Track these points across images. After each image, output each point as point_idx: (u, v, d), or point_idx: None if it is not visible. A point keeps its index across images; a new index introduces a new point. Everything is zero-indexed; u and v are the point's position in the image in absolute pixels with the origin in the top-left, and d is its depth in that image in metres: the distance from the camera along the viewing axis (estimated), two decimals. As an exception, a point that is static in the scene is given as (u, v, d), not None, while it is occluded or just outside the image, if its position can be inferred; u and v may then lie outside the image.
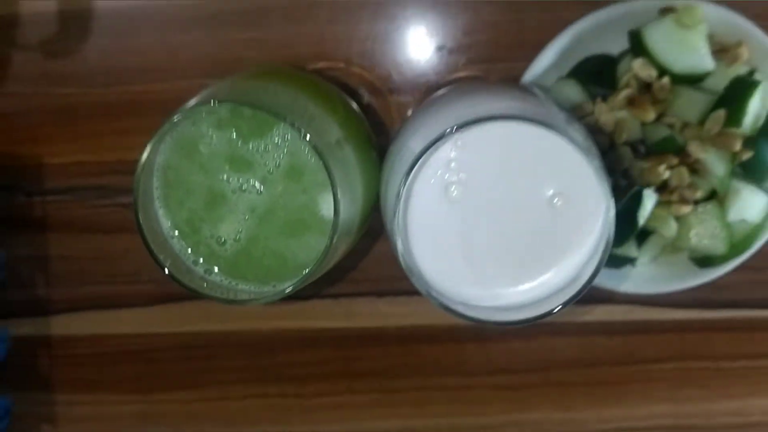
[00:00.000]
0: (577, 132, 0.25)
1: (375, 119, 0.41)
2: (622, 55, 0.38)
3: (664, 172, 0.36)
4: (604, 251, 0.25)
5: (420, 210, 0.27)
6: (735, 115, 0.36)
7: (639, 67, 0.36)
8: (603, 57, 0.38)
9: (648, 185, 0.36)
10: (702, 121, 0.36)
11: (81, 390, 0.45)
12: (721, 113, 0.36)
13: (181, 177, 0.29)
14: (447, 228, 0.27)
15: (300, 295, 0.31)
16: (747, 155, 0.36)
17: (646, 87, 0.37)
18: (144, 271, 0.43)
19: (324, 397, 0.45)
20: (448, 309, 0.26)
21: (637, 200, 0.36)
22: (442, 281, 0.27)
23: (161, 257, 0.29)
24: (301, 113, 0.27)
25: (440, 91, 0.32)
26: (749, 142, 0.36)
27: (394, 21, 0.40)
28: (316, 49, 0.40)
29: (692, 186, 0.36)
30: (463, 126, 0.24)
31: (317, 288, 0.43)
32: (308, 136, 0.26)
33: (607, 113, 0.37)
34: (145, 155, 0.27)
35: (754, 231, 0.37)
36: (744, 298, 0.42)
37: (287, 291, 0.28)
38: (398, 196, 0.26)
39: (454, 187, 0.27)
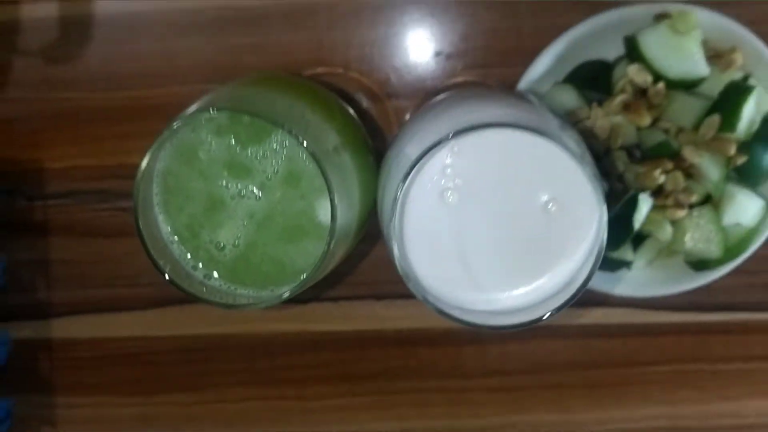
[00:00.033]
0: (571, 139, 0.26)
1: (373, 124, 0.41)
2: (618, 60, 0.38)
3: (659, 177, 0.36)
4: (597, 257, 0.25)
5: (416, 215, 0.27)
6: (729, 120, 0.36)
7: (634, 73, 0.37)
8: (599, 62, 0.38)
9: (643, 189, 0.37)
10: (697, 126, 0.37)
11: (81, 392, 0.45)
12: (715, 118, 0.36)
13: (180, 183, 0.30)
14: (443, 233, 0.27)
15: (299, 298, 0.31)
16: (741, 160, 0.36)
17: (641, 92, 0.37)
18: (144, 274, 0.43)
19: (323, 399, 0.45)
20: (443, 313, 0.26)
21: (632, 204, 0.36)
22: (438, 286, 0.28)
23: (161, 262, 0.29)
24: (298, 120, 0.28)
25: (437, 98, 0.33)
26: (744, 146, 0.36)
27: (391, 27, 0.41)
28: (315, 54, 0.41)
29: (687, 190, 0.37)
30: (458, 133, 0.24)
31: (316, 291, 0.43)
32: (305, 142, 0.26)
33: (602, 118, 0.37)
34: (144, 162, 0.28)
35: (749, 235, 0.38)
36: (739, 301, 0.42)
37: (284, 297, 0.28)
38: (395, 201, 0.26)
39: (450, 192, 0.27)
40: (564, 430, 0.45)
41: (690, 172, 0.37)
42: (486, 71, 0.40)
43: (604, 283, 0.39)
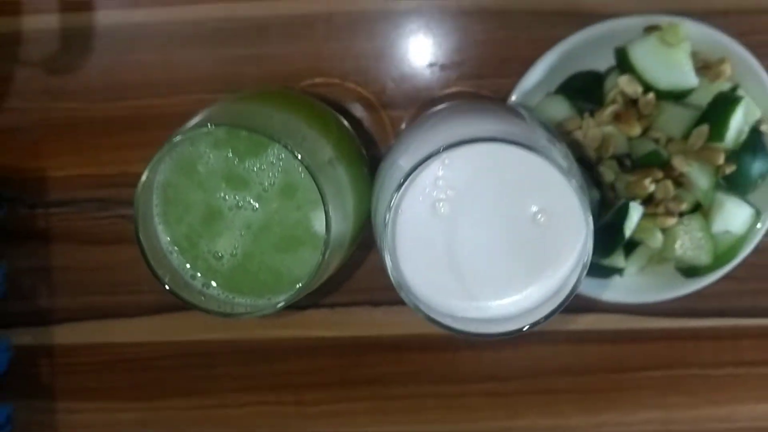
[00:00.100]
0: (559, 152, 0.26)
1: (369, 133, 0.42)
2: (609, 71, 0.39)
3: (649, 186, 0.37)
4: (584, 266, 0.26)
5: (409, 226, 0.28)
6: (718, 130, 0.36)
7: (625, 84, 0.37)
8: (590, 73, 0.39)
9: (634, 198, 0.37)
10: (686, 136, 0.37)
11: (82, 398, 0.46)
12: (704, 128, 0.37)
13: (179, 194, 0.30)
14: (435, 243, 0.28)
15: (297, 305, 0.31)
16: (730, 169, 0.37)
17: (632, 103, 0.38)
18: (144, 281, 0.43)
19: (321, 404, 0.45)
20: (434, 322, 0.27)
21: (623, 213, 0.37)
22: (431, 294, 0.28)
23: (161, 272, 0.30)
24: (295, 134, 0.28)
25: (430, 110, 0.33)
26: (732, 156, 0.37)
27: (387, 38, 0.41)
28: (313, 65, 0.41)
29: (677, 198, 0.37)
30: (450, 147, 0.25)
31: (314, 298, 0.43)
32: (300, 156, 0.27)
33: (594, 128, 0.38)
34: (144, 175, 0.28)
35: (738, 242, 0.38)
36: (730, 307, 0.43)
37: (279, 306, 0.29)
38: (388, 211, 0.26)
39: (441, 203, 0.28)
40: (557, 435, 0.45)
41: (680, 181, 0.37)
42: (480, 82, 0.41)
43: (596, 290, 0.39)
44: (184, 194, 0.30)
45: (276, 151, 0.29)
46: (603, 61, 0.39)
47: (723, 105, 0.37)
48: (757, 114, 0.37)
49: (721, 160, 0.36)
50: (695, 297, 0.39)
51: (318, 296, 0.44)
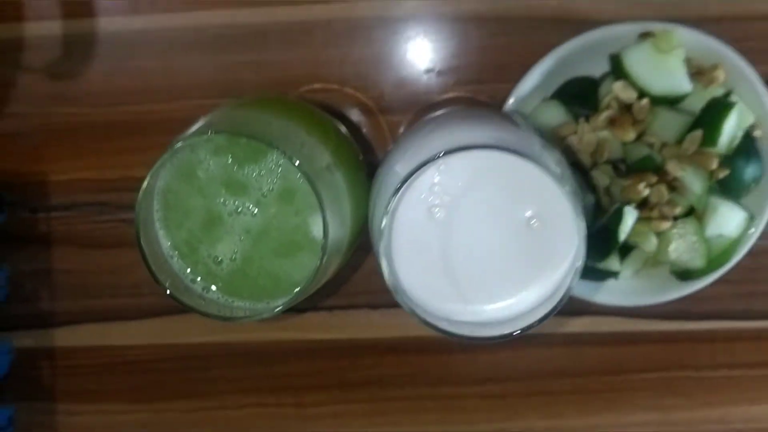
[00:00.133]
0: (552, 159, 0.27)
1: (367, 138, 0.42)
2: (604, 77, 0.39)
3: (644, 190, 0.37)
4: (577, 270, 0.26)
5: (405, 231, 0.28)
6: (711, 136, 0.37)
7: (619, 89, 0.38)
8: (586, 79, 0.39)
9: (629, 202, 0.37)
10: (680, 141, 0.38)
11: (82, 400, 0.46)
12: (697, 133, 0.37)
13: (180, 200, 0.30)
14: (430, 248, 0.28)
15: (296, 308, 0.32)
16: (723, 173, 0.37)
17: (626, 108, 0.38)
18: (144, 284, 0.43)
19: (319, 406, 0.46)
20: (430, 325, 0.27)
21: (618, 216, 0.37)
22: (426, 298, 0.29)
23: (161, 277, 0.30)
24: (293, 141, 0.29)
25: (427, 116, 0.34)
26: (726, 160, 0.37)
27: (385, 44, 0.42)
28: (312, 71, 0.42)
29: (671, 203, 0.38)
30: (446, 153, 0.25)
31: (313, 301, 0.44)
32: (298, 162, 0.27)
33: (589, 133, 0.38)
34: (146, 182, 0.29)
35: (732, 245, 0.39)
36: (724, 309, 0.43)
37: (276, 310, 0.29)
38: (384, 216, 0.27)
39: (437, 209, 0.28)
40: (554, 436, 0.46)
41: (674, 185, 0.38)
42: (477, 87, 0.41)
43: (592, 293, 0.40)
44: (184, 200, 0.30)
45: (275, 157, 0.29)
46: (598, 67, 0.39)
47: (716, 110, 0.37)
48: (750, 119, 0.38)
49: (714, 164, 0.37)
50: (690, 300, 0.39)
51: (317, 299, 0.44)
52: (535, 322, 0.27)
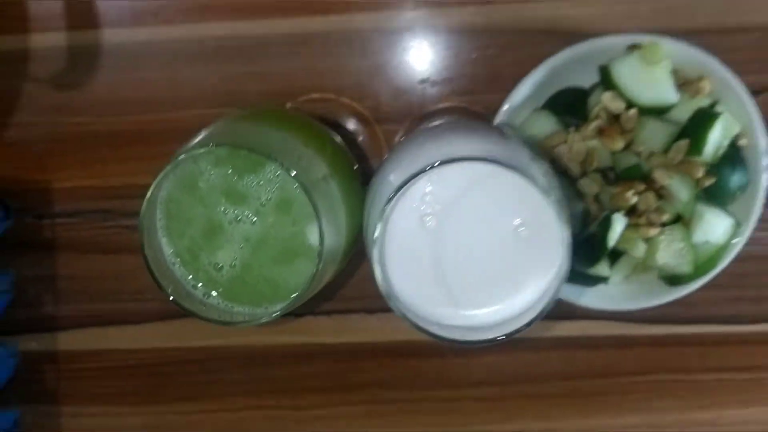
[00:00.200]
0: (540, 170, 0.28)
1: (363, 147, 0.43)
2: (593, 88, 0.40)
3: (632, 198, 0.38)
4: (561, 277, 0.27)
5: (398, 239, 0.29)
6: (696, 145, 0.38)
7: (608, 100, 0.38)
8: (576, 90, 0.40)
9: (618, 209, 0.38)
10: (667, 150, 0.38)
11: (86, 402, 0.47)
12: (684, 143, 0.38)
13: (182, 209, 0.31)
14: (422, 255, 0.29)
15: (295, 312, 0.32)
16: (709, 181, 0.38)
17: (615, 118, 0.39)
18: (146, 289, 0.44)
19: (317, 408, 0.46)
20: (422, 330, 0.28)
21: (607, 224, 0.38)
22: (418, 304, 0.30)
23: (164, 283, 0.31)
24: (291, 153, 0.30)
25: (421, 127, 0.35)
26: (712, 169, 0.38)
27: (382, 55, 0.42)
28: (310, 81, 0.42)
29: (659, 210, 0.38)
30: (438, 165, 0.26)
31: (311, 305, 0.44)
32: (295, 173, 0.28)
33: (579, 142, 0.39)
34: (149, 192, 0.30)
35: (719, 252, 0.39)
36: (713, 314, 0.44)
37: (274, 315, 0.30)
38: (378, 224, 0.28)
39: (429, 217, 0.29)
40: (548, 438, 0.46)
41: (661, 193, 0.38)
42: (471, 97, 0.42)
43: (583, 298, 0.40)
44: (186, 209, 0.31)
45: (273, 168, 0.30)
46: (587, 78, 0.40)
47: (702, 120, 0.38)
48: (735, 129, 0.38)
49: (700, 173, 0.38)
50: (680, 304, 0.40)
51: (314, 304, 0.45)
52: (523, 326, 0.28)
